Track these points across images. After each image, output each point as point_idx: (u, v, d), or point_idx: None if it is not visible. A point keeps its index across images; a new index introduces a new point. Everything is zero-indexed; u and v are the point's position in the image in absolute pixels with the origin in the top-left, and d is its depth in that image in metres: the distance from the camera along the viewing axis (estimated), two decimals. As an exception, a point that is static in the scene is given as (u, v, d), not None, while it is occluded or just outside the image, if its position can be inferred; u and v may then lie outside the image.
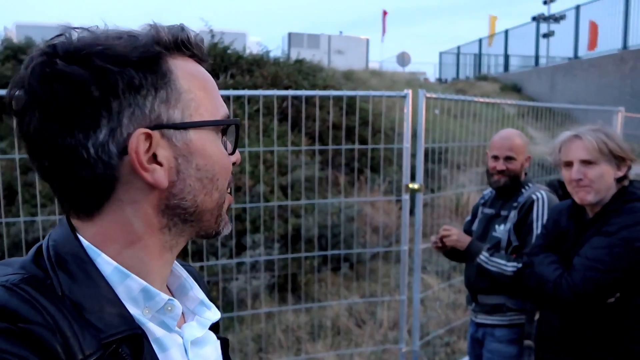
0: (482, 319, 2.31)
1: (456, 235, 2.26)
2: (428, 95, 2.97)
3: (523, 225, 2.17)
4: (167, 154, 0.59)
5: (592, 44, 14.29)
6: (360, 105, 5.18)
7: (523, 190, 2.23)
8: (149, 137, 0.57)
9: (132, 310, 0.59)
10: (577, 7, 15.27)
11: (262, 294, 3.84)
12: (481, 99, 3.70)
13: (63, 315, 0.53)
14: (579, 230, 1.79)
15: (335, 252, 3.58)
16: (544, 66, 16.87)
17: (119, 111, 0.56)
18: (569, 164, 1.76)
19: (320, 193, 4.46)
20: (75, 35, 0.58)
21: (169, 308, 0.62)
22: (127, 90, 0.56)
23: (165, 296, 0.61)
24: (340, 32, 19.34)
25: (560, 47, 16.08)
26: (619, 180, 1.73)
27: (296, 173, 4.46)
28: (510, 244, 2.18)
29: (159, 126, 0.58)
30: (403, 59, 17.35)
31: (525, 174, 2.32)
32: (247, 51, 7.88)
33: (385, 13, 14.94)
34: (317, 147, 3.24)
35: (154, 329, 0.60)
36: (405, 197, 2.96)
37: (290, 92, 2.95)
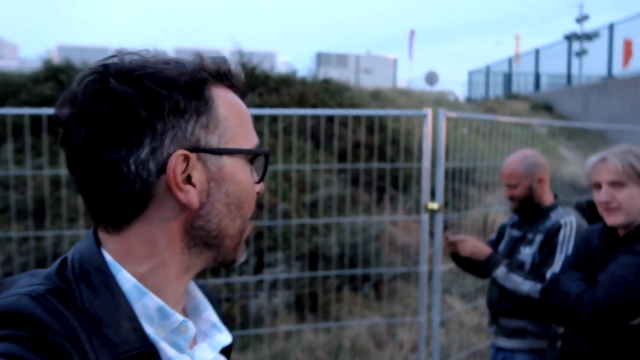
0: (503, 342, 2.26)
1: (471, 246, 2.21)
2: (449, 114, 2.96)
3: (546, 247, 2.13)
4: (201, 176, 0.62)
5: (627, 62, 13.96)
6: (383, 124, 5.17)
7: (551, 214, 2.19)
8: (186, 158, 0.60)
9: (147, 328, 0.60)
10: (611, 25, 14.98)
11: (281, 312, 3.84)
12: (502, 118, 3.66)
13: (83, 327, 0.55)
14: (608, 249, 1.78)
15: (353, 271, 3.55)
16: (576, 85, 16.55)
17: (163, 132, 0.59)
18: (598, 186, 1.76)
19: (342, 211, 4.46)
20: (127, 58, 0.61)
21: (183, 329, 0.63)
22: (172, 112, 0.59)
23: (180, 317, 0.62)
24: (369, 51, 19.44)
25: (593, 65, 15.77)
26: None
27: (318, 191, 4.47)
28: (535, 268, 2.14)
29: (197, 149, 0.61)
30: (431, 78, 17.30)
31: (556, 196, 2.28)
32: (275, 71, 8.00)
33: (413, 33, 14.97)
34: (335, 165, 3.25)
35: (166, 349, 0.61)
36: (424, 217, 2.93)
37: (309, 111, 2.99)
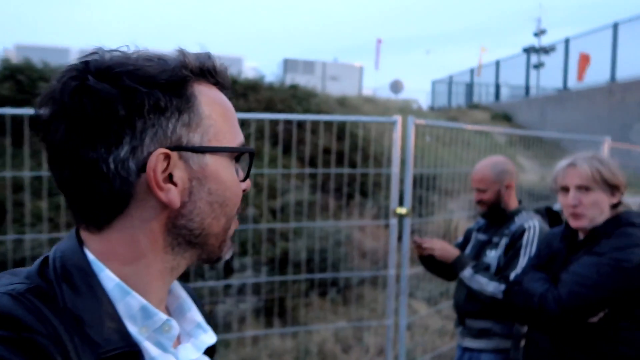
0: (469, 342, 2.33)
1: (439, 248, 2.27)
2: (417, 121, 3.03)
3: (511, 250, 2.21)
4: (183, 175, 0.61)
5: (581, 75, 14.58)
6: (352, 130, 5.24)
7: (516, 218, 2.28)
8: (167, 157, 0.59)
9: (130, 327, 0.59)
10: (567, 40, 15.63)
11: (248, 318, 3.82)
12: (468, 126, 3.78)
13: (64, 327, 0.54)
14: (570, 251, 1.86)
15: (323, 275, 3.58)
16: (534, 96, 17.15)
17: (142, 130, 0.58)
18: (565, 189, 1.82)
19: (310, 217, 4.49)
20: (107, 55, 0.60)
21: (167, 328, 0.62)
22: (152, 111, 0.58)
23: (164, 316, 0.62)
24: (335, 59, 19.63)
25: (550, 77, 16.39)
26: (614, 206, 1.79)
27: (287, 197, 4.49)
28: (500, 270, 2.22)
29: (178, 148, 0.60)
30: (396, 86, 17.59)
31: (520, 201, 2.37)
32: (243, 76, 7.98)
33: (379, 42, 15.21)
34: (307, 170, 3.28)
35: (149, 348, 0.60)
36: (393, 221, 2.99)
37: (282, 116, 3.01)
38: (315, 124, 5.11)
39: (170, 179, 0.60)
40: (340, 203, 4.72)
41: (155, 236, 0.61)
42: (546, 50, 17.74)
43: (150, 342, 0.61)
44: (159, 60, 0.60)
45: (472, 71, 20.87)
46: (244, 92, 7.28)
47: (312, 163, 5.01)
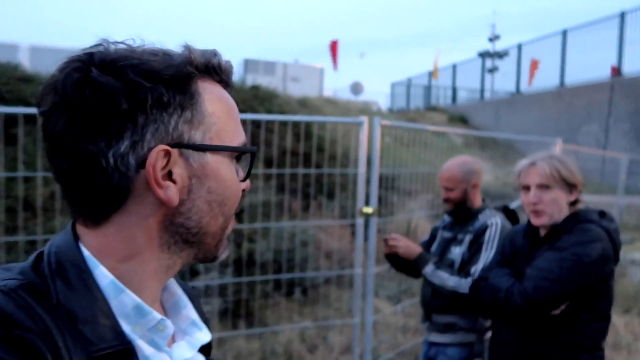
0: (435, 337, 2.39)
1: (403, 246, 2.32)
2: (383, 122, 3.08)
3: (474, 245, 2.28)
4: (182, 172, 0.60)
5: (531, 80, 15.17)
6: (312, 132, 5.27)
7: (480, 216, 2.35)
8: (167, 154, 0.58)
9: (124, 326, 0.58)
10: (519, 45, 16.22)
11: (214, 320, 3.79)
12: (433, 128, 3.89)
13: (56, 324, 0.53)
14: (532, 247, 1.93)
15: (290, 275, 3.59)
16: (489, 99, 17.71)
17: (144, 125, 0.57)
18: (526, 188, 1.90)
19: (276, 218, 4.49)
20: (112, 47, 0.59)
21: (161, 327, 0.61)
22: (155, 106, 0.57)
23: (158, 315, 0.61)
24: (296, 60, 19.64)
25: (504, 81, 16.98)
26: (572, 204, 1.88)
27: (253, 197, 4.48)
28: (463, 266, 2.28)
29: (179, 145, 0.59)
30: (356, 88, 17.78)
31: (484, 200, 2.45)
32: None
33: (335, 43, 15.29)
34: (274, 170, 3.28)
35: (143, 347, 0.59)
36: (359, 221, 3.03)
37: (249, 116, 3.00)
38: (280, 125, 5.12)
39: (169, 176, 0.59)
40: (306, 203, 4.75)
41: (152, 233, 0.61)
42: (500, 55, 18.37)
43: (144, 341, 0.60)
44: (165, 55, 0.60)
45: (429, 74, 21.35)
46: (205, 92, 7.20)
47: (277, 165, 5.01)
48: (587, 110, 12.55)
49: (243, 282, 3.51)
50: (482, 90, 18.43)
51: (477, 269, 2.18)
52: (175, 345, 0.66)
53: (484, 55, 18.88)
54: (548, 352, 1.80)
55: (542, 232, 1.93)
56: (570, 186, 1.87)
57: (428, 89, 21.35)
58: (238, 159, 0.67)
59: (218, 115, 0.63)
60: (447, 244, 2.42)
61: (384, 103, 23.17)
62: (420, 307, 2.52)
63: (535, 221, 1.89)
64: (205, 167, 0.61)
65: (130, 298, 0.59)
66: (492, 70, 18.41)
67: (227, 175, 0.64)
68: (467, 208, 2.38)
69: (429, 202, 7.80)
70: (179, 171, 0.60)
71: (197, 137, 0.61)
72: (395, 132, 6.22)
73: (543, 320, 1.80)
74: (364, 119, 2.96)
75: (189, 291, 0.75)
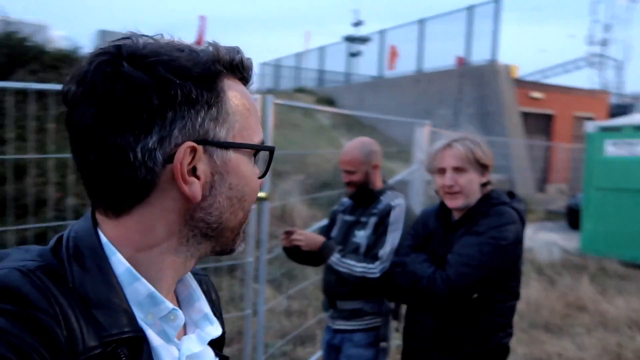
0: (341, 324, 2.33)
1: (304, 238, 2.24)
2: (276, 101, 2.91)
3: (380, 227, 2.23)
4: (206, 169, 0.61)
5: (392, 65, 16.12)
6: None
7: (382, 197, 2.29)
8: (193, 150, 0.59)
9: (137, 313, 0.60)
10: (382, 32, 17.07)
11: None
12: (322, 107, 3.86)
13: (71, 307, 0.55)
14: (446, 231, 1.90)
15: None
16: (354, 82, 18.45)
17: (172, 121, 0.58)
18: (442, 171, 1.86)
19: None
20: (141, 41, 0.60)
21: (172, 317, 0.62)
22: (184, 102, 0.58)
23: (170, 305, 0.62)
24: (160, 35, 18.43)
25: (368, 66, 17.79)
26: (483, 185, 1.86)
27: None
28: (370, 249, 2.23)
29: (205, 142, 0.60)
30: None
31: (385, 181, 2.38)
32: (51, 46, 7.05)
33: (203, 19, 14.69)
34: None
35: (153, 337, 0.60)
36: (253, 206, 2.87)
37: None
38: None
39: (194, 172, 0.60)
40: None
41: (172, 227, 0.62)
42: (363, 40, 19.16)
43: (154, 331, 0.61)
44: (191, 51, 0.60)
45: (297, 56, 21.58)
46: (54, 64, 6.46)
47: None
48: (440, 95, 13.69)
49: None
50: (347, 74, 19.12)
51: (385, 252, 2.13)
52: (185, 338, 0.67)
53: (349, 39, 19.56)
54: (465, 334, 1.80)
55: (456, 215, 1.90)
56: (483, 167, 1.85)
57: (297, 71, 21.59)
58: (255, 155, 0.68)
59: (240, 112, 0.64)
60: (349, 228, 2.34)
61: (253, 83, 22.95)
62: (323, 294, 2.44)
63: (451, 204, 1.86)
64: (227, 164, 0.63)
65: (144, 286, 0.60)
66: (356, 54, 19.16)
67: (247, 171, 0.65)
68: (369, 190, 2.31)
69: (300, 182, 7.93)
70: (203, 167, 0.61)
71: (222, 134, 0.62)
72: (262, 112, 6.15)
73: (462, 304, 1.78)
74: (258, 96, 2.76)
75: (202, 282, 0.76)
